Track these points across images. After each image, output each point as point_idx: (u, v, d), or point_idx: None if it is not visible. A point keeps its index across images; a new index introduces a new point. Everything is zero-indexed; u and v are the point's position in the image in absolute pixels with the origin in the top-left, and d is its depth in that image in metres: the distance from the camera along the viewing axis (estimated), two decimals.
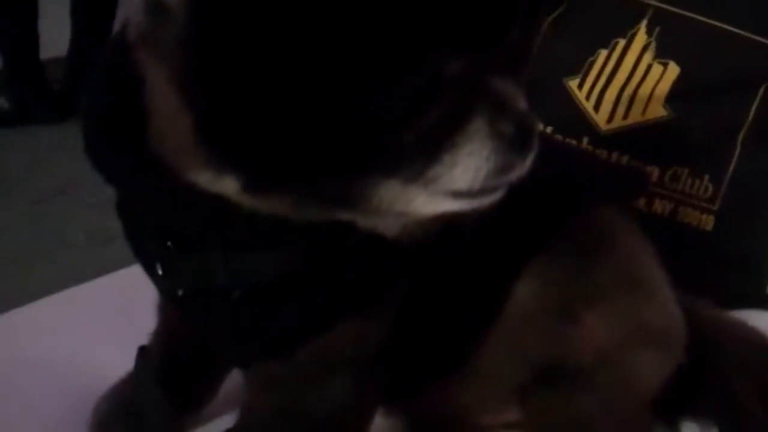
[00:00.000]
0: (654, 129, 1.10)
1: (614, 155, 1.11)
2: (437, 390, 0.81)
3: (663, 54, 1.11)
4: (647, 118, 1.11)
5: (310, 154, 0.58)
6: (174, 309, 0.82)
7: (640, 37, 1.13)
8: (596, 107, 1.13)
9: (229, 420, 0.83)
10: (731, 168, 1.09)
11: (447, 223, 0.67)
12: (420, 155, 0.58)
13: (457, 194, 0.60)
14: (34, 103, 3.49)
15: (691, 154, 1.10)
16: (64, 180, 2.76)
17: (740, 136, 1.10)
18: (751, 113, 1.09)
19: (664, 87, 1.10)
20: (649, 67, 1.11)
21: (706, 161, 1.10)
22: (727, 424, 0.85)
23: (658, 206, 1.10)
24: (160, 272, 0.72)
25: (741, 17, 1.10)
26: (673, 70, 1.10)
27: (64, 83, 3.52)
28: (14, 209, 2.64)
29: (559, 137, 1.11)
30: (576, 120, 1.13)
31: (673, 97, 1.10)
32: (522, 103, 0.61)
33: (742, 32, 1.09)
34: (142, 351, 0.83)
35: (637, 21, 1.13)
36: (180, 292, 0.73)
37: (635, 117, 1.11)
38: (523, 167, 0.61)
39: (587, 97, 1.13)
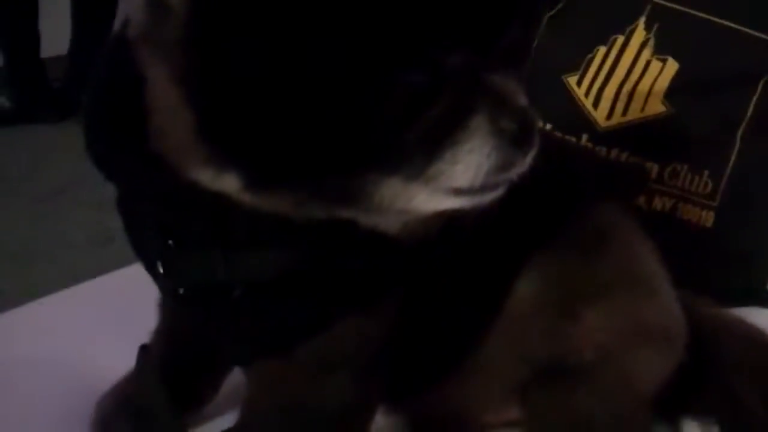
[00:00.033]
0: (653, 125, 1.10)
1: (613, 152, 1.11)
2: (438, 388, 0.81)
3: (661, 50, 1.11)
4: (646, 114, 1.11)
5: (312, 151, 0.58)
6: (175, 307, 0.82)
7: (639, 34, 1.13)
8: (595, 104, 1.13)
9: (230, 418, 0.83)
10: (731, 164, 1.09)
11: (448, 220, 0.67)
12: (421, 153, 0.58)
13: (459, 191, 0.60)
14: (35, 102, 3.50)
15: (690, 150, 1.10)
16: (65, 179, 2.76)
17: (739, 132, 1.09)
18: (750, 109, 1.09)
19: (663, 83, 1.10)
20: (647, 64, 1.11)
21: (705, 157, 1.10)
22: (727, 422, 0.85)
23: (658, 203, 1.10)
24: (161, 270, 0.72)
25: (739, 13, 1.10)
26: (672, 66, 1.10)
27: (65, 82, 3.53)
28: (14, 209, 2.64)
29: (558, 134, 1.11)
30: (575, 117, 1.13)
31: (671, 93, 1.10)
32: (522, 100, 0.61)
33: (741, 28, 1.09)
34: (144, 349, 0.83)
35: (636, 17, 1.13)
36: (181, 291, 0.73)
37: (634, 113, 1.11)
38: (524, 164, 0.61)
39: (586, 94, 1.13)
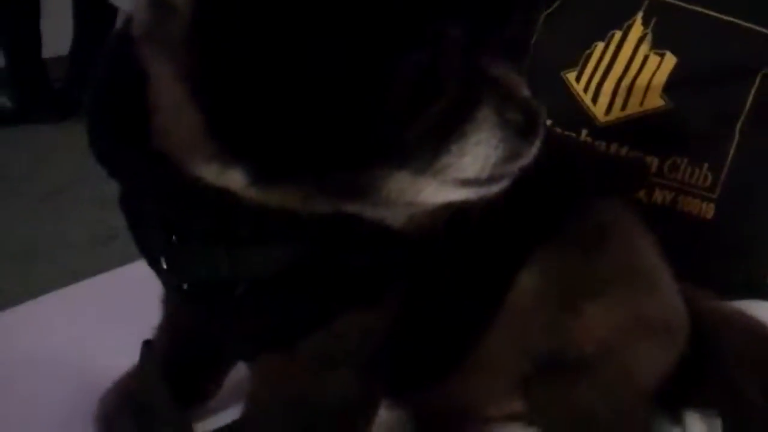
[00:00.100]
0: (652, 119, 1.10)
1: (613, 146, 1.11)
2: (440, 383, 0.81)
3: (659, 44, 1.11)
4: (645, 108, 1.11)
5: (319, 146, 0.58)
6: (178, 303, 0.82)
7: (636, 29, 1.13)
8: (594, 99, 1.13)
9: (233, 413, 0.84)
10: (730, 156, 1.09)
11: (453, 213, 0.67)
12: (429, 145, 0.59)
13: (467, 183, 0.61)
14: (36, 102, 3.50)
15: (689, 143, 1.10)
16: (66, 178, 2.76)
17: (738, 125, 1.09)
18: (749, 101, 1.09)
19: (662, 77, 1.10)
20: (645, 58, 1.11)
21: (704, 150, 1.10)
22: (728, 414, 0.85)
23: (658, 196, 1.10)
24: (164, 266, 0.72)
25: (736, 6, 1.10)
26: (670, 60, 1.10)
27: (66, 82, 3.53)
28: (16, 208, 2.63)
29: (558, 130, 1.11)
30: (574, 112, 1.14)
31: (670, 87, 1.10)
32: (526, 91, 0.61)
33: (738, 21, 1.09)
34: (147, 345, 0.83)
35: (633, 12, 1.13)
36: (184, 286, 0.73)
37: (633, 108, 1.11)
38: (530, 155, 0.61)
39: (585, 90, 1.14)
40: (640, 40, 1.12)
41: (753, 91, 1.09)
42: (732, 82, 1.10)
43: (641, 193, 1.10)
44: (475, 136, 0.59)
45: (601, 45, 1.14)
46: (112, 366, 0.90)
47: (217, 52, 0.57)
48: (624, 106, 1.11)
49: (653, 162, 1.10)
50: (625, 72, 1.12)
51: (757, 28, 1.09)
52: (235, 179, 0.61)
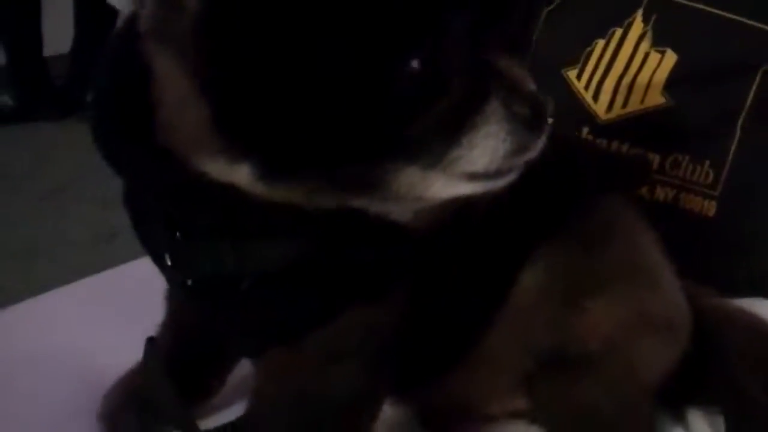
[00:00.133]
0: (653, 117, 1.10)
1: (614, 144, 1.11)
2: (444, 379, 0.81)
3: (660, 42, 1.11)
4: (646, 106, 1.11)
5: (330, 140, 0.58)
6: (183, 299, 0.83)
7: (637, 26, 1.13)
8: (595, 97, 1.13)
9: (237, 409, 0.84)
10: (731, 154, 1.09)
11: (458, 209, 0.67)
12: (438, 139, 0.59)
13: (475, 176, 0.61)
14: (37, 100, 3.51)
15: (690, 140, 1.10)
16: (67, 177, 2.77)
17: (739, 122, 1.09)
18: (749, 98, 1.09)
19: (662, 75, 1.10)
20: (646, 56, 1.11)
21: (706, 147, 1.10)
22: (731, 412, 0.85)
23: (660, 193, 1.10)
24: (168, 263, 0.72)
25: (736, 3, 1.10)
26: (671, 57, 1.10)
27: (67, 80, 3.54)
28: (17, 206, 2.64)
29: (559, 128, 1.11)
30: (575, 110, 1.14)
31: (671, 85, 1.10)
32: (532, 85, 0.61)
33: (738, 18, 1.09)
34: (151, 342, 0.83)
35: (633, 10, 1.13)
36: (189, 282, 0.73)
37: (634, 105, 1.11)
38: (536, 148, 0.61)
39: (586, 88, 1.14)
40: (641, 38, 1.12)
41: (754, 88, 1.09)
42: (732, 79, 1.10)
43: (643, 191, 1.10)
44: (484, 128, 0.59)
45: (601, 42, 1.14)
46: (115, 363, 0.90)
47: (226, 47, 0.57)
48: (625, 104, 1.11)
49: (655, 159, 1.10)
50: (626, 69, 1.12)
51: (758, 24, 1.09)
52: (241, 174, 0.61)
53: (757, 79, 1.09)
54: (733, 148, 1.09)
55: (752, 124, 1.09)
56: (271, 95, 0.57)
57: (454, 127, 0.59)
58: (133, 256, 0.76)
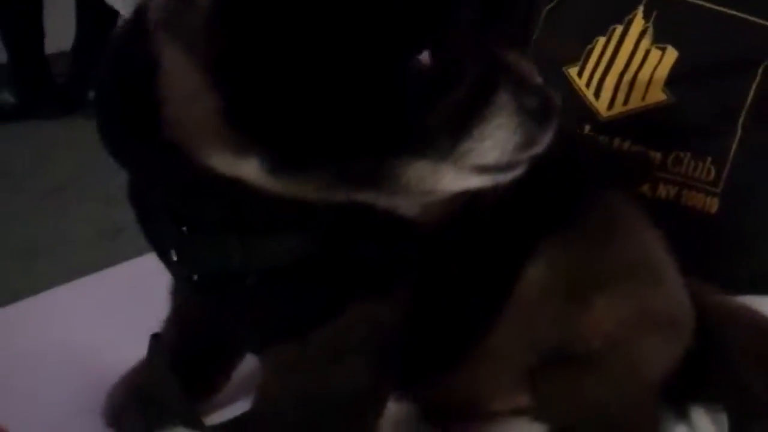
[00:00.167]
0: (654, 114, 1.10)
1: (616, 141, 1.11)
2: (448, 375, 0.81)
3: (661, 39, 1.11)
4: (647, 103, 1.11)
5: (339, 135, 0.58)
6: (188, 294, 0.83)
7: (637, 23, 1.13)
8: (596, 94, 1.13)
9: (243, 405, 0.84)
10: (732, 151, 1.09)
11: (466, 203, 0.67)
12: (449, 132, 0.59)
13: (485, 169, 0.61)
14: (39, 97, 3.51)
15: (692, 137, 1.10)
16: (68, 175, 2.77)
17: (741, 118, 1.09)
18: (751, 95, 1.09)
19: (663, 71, 1.10)
20: (647, 53, 1.11)
21: (707, 144, 1.10)
22: (734, 409, 0.85)
23: (662, 190, 1.10)
24: (174, 258, 0.72)
25: None
26: (672, 54, 1.10)
27: (69, 78, 3.54)
28: (19, 204, 2.64)
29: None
30: (577, 108, 1.14)
31: (672, 81, 1.10)
32: (539, 78, 0.62)
33: (739, 14, 1.09)
34: (156, 338, 0.83)
35: (634, 7, 1.13)
36: (195, 277, 0.73)
37: (635, 102, 1.11)
38: (544, 141, 0.61)
39: (587, 85, 1.14)
40: (642, 35, 1.12)
41: (754, 85, 1.09)
42: (733, 75, 1.10)
43: (645, 188, 1.10)
44: (495, 120, 0.59)
45: (602, 40, 1.14)
46: (119, 360, 0.90)
47: (239, 40, 0.57)
48: (626, 101, 1.11)
49: (656, 156, 1.10)
50: (627, 67, 1.12)
51: (759, 20, 1.09)
52: (250, 168, 0.61)
53: (758, 75, 1.09)
54: (734, 145, 1.09)
55: (753, 121, 1.09)
56: (283, 88, 0.57)
57: (464, 120, 0.59)
58: (136, 253, 0.76)
